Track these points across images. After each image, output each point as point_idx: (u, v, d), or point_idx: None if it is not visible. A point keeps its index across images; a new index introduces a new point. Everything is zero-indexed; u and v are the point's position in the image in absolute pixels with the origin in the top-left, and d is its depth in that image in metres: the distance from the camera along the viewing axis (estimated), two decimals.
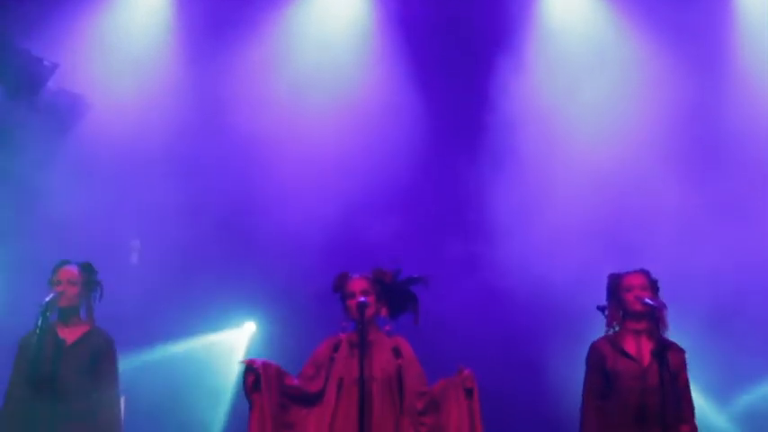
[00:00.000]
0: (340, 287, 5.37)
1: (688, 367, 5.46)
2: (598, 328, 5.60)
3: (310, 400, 5.23)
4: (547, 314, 7.69)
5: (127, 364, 6.14)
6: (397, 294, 5.40)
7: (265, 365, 5.16)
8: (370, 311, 5.20)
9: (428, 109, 8.25)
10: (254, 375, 5.11)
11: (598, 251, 7.33)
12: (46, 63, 7.20)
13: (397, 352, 5.33)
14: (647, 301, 5.30)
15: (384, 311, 5.37)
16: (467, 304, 7.69)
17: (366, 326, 5.12)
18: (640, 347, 5.38)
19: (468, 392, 5.21)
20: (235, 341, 8.38)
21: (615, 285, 5.51)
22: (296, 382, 5.26)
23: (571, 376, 7.25)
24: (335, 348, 5.31)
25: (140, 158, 7.96)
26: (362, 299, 5.15)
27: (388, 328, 5.41)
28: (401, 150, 8.02)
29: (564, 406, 7.07)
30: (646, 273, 5.52)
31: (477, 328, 7.42)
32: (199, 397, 8.12)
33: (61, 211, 7.36)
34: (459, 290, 7.40)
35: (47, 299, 5.17)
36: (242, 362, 5.26)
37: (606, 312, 5.56)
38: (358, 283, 5.32)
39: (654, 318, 5.30)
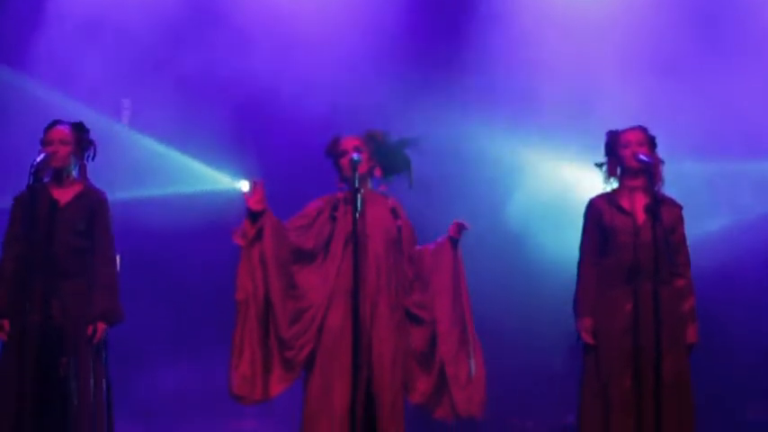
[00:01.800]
0: (332, 149, 5.31)
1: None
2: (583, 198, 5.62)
3: (305, 256, 5.20)
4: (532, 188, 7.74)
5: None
6: (389, 154, 5.34)
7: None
8: (363, 168, 5.11)
9: None
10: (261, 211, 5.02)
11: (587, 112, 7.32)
12: None
13: (395, 213, 5.33)
14: (642, 157, 5.26)
15: (378, 172, 5.33)
16: (451, 177, 7.74)
17: (360, 182, 5.05)
18: (635, 203, 5.36)
19: (454, 243, 5.26)
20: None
21: (613, 142, 5.47)
22: (293, 237, 5.18)
23: (558, 247, 7.35)
24: (335, 207, 5.26)
25: (137, 21, 7.81)
26: (355, 155, 5.06)
27: (383, 188, 5.39)
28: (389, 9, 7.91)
29: (549, 273, 7.19)
30: (643, 129, 5.47)
31: (461, 199, 7.44)
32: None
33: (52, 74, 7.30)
34: (445, 162, 7.39)
35: (38, 158, 5.10)
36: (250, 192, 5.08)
37: (604, 168, 5.54)
38: (349, 141, 5.26)
39: (649, 173, 5.27)
